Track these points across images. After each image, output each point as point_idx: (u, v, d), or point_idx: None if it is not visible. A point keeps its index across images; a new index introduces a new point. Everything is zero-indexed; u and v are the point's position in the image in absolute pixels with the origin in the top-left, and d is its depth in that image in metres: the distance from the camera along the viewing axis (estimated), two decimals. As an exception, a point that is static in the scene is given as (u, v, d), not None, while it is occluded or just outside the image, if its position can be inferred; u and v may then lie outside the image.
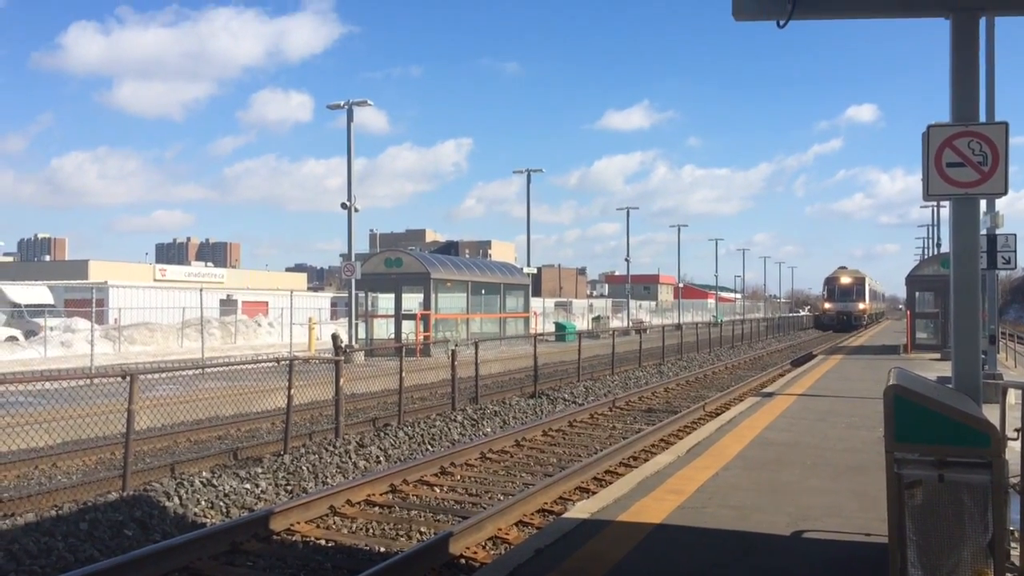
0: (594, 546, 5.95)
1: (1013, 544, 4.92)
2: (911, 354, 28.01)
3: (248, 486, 9.66)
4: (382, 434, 12.99)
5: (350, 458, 11.37)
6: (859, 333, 55.36)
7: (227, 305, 50.01)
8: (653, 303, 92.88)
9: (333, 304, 57.79)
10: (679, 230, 76.06)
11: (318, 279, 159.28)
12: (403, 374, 15.39)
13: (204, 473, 10.01)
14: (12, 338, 32.05)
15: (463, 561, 7.05)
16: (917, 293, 30.76)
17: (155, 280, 64.13)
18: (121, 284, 45.01)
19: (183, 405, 14.68)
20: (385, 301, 31.12)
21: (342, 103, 28.93)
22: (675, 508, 7.03)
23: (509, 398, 18.25)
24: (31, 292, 38.98)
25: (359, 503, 8.98)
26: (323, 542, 7.75)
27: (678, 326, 38.90)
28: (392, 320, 30.12)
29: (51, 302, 39.24)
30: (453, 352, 16.74)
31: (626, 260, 62.08)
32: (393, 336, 29.08)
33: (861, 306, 65.43)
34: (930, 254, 47.89)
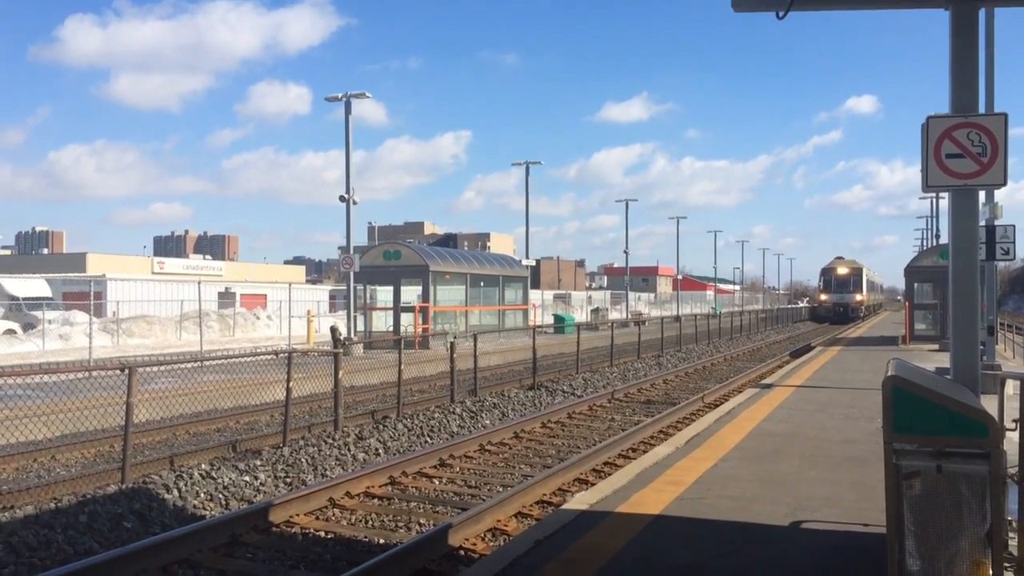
0: (593, 537, 5.96)
1: (1011, 534, 4.93)
2: (909, 345, 28.04)
3: (247, 478, 9.68)
4: (381, 426, 13.00)
5: (349, 450, 11.38)
6: (857, 325, 54.79)
7: (225, 298, 50.00)
8: (652, 295, 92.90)
9: (332, 297, 57.84)
10: (678, 222, 76.46)
11: (316, 272, 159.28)
12: (402, 366, 15.39)
13: (203, 465, 10.02)
14: (10, 331, 32.02)
15: (462, 552, 7.06)
16: (916, 284, 30.75)
17: (153, 273, 64.05)
18: (119, 277, 44.95)
19: (182, 398, 14.69)
20: (384, 294, 31.11)
21: (340, 95, 28.84)
22: (674, 499, 7.05)
23: (508, 390, 18.27)
24: (29, 285, 38.94)
25: (358, 495, 8.99)
26: (322, 534, 7.77)
27: (677, 318, 38.94)
28: (391, 312, 30.09)
29: (49, 295, 39.17)
30: (452, 344, 16.75)
31: (625, 252, 62.21)
32: (392, 328, 29.07)
33: (858, 297, 64.02)
34: (929, 245, 47.67)
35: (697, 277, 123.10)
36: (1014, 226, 15.50)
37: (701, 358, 28.04)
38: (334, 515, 8.39)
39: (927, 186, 5.66)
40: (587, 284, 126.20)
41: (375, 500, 8.99)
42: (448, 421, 13.91)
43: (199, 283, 30.16)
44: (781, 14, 5.62)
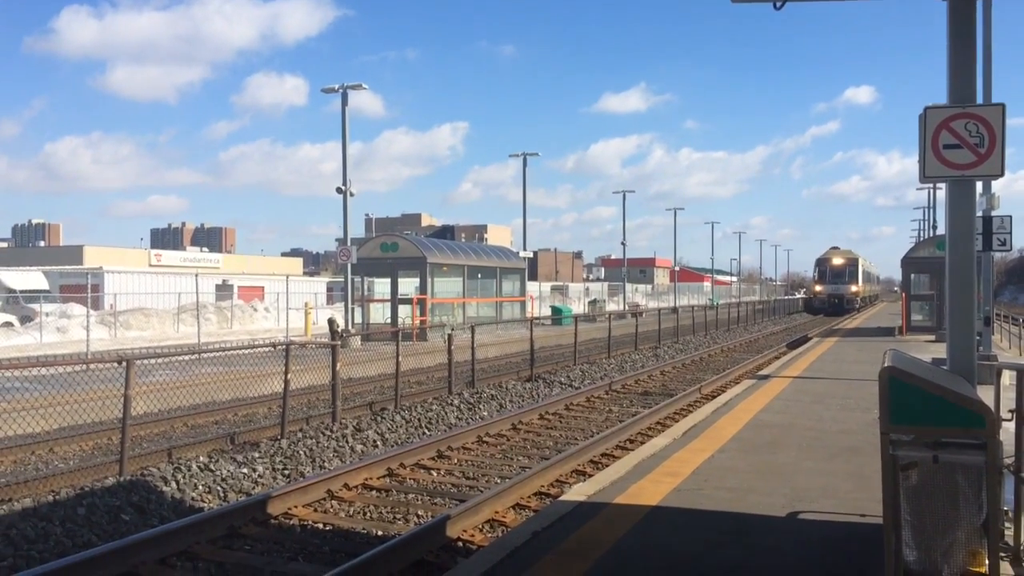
0: (591, 528, 5.98)
1: (1007, 524, 4.95)
2: (906, 336, 28.11)
3: (245, 470, 9.68)
4: (379, 418, 13.00)
5: (347, 442, 11.39)
6: (853, 316, 54.19)
7: (223, 290, 49.97)
8: (649, 286, 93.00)
9: (329, 289, 57.79)
10: (675, 213, 75.85)
11: (314, 264, 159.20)
12: (400, 358, 15.40)
13: (201, 458, 10.03)
14: (7, 324, 32.00)
15: (461, 544, 7.07)
16: (913, 275, 30.81)
17: (150, 265, 64.03)
18: (116, 269, 44.95)
19: (180, 390, 14.69)
20: (381, 285, 31.12)
21: (336, 87, 28.76)
22: (671, 490, 7.06)
23: (506, 382, 18.28)
24: (26, 278, 38.93)
25: (356, 487, 9.00)
26: (321, 526, 7.78)
27: (674, 309, 38.93)
28: (388, 304, 30.10)
29: (46, 288, 39.18)
30: (450, 336, 16.75)
31: (622, 244, 62.15)
32: (389, 320, 29.08)
33: (854, 288, 62.27)
34: (926, 236, 47.48)
35: (694, 268, 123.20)
36: (1011, 217, 15.52)
37: (698, 349, 28.07)
38: (332, 507, 8.41)
39: (924, 177, 5.66)
40: (584, 276, 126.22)
41: (373, 492, 9.00)
42: (446, 413, 13.93)
43: (196, 275, 30.04)
44: (779, 4, 5.62)
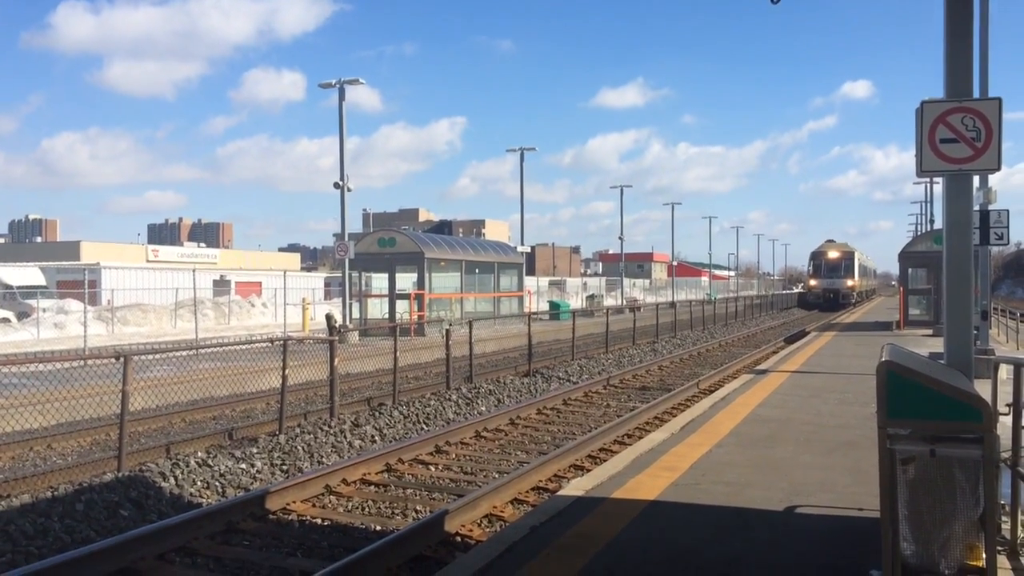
0: (589, 523, 5.98)
1: (1004, 518, 4.96)
2: (904, 330, 28.12)
3: (243, 466, 9.68)
4: (377, 413, 13.00)
5: (345, 437, 11.39)
6: (850, 311, 53.14)
7: (220, 286, 49.92)
8: (647, 281, 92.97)
9: (327, 284, 57.77)
10: (673, 208, 75.72)
11: (312, 259, 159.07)
12: (397, 354, 15.39)
13: (199, 453, 10.02)
14: (5, 320, 31.94)
15: (459, 539, 7.08)
16: (910, 269, 30.81)
17: (148, 261, 63.93)
18: (114, 265, 44.90)
19: (178, 386, 14.68)
20: (379, 281, 31.06)
21: (334, 82, 28.69)
22: (669, 485, 7.07)
23: (503, 377, 18.28)
24: (23, 274, 38.85)
25: (355, 482, 9.01)
26: (319, 521, 7.78)
27: (672, 304, 38.94)
28: (386, 300, 30.08)
29: (43, 284, 39.10)
30: (447, 331, 16.74)
31: (620, 238, 62.03)
32: (387, 316, 29.07)
33: (849, 283, 60.40)
34: (923, 230, 47.32)
35: (692, 263, 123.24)
36: (1008, 211, 15.53)
37: (696, 344, 28.09)
38: (330, 502, 8.41)
39: (921, 171, 5.66)
40: (582, 271, 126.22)
41: (371, 487, 9.00)
42: (444, 408, 13.93)
43: (194, 271, 30.09)
44: (776, -1, 5.61)
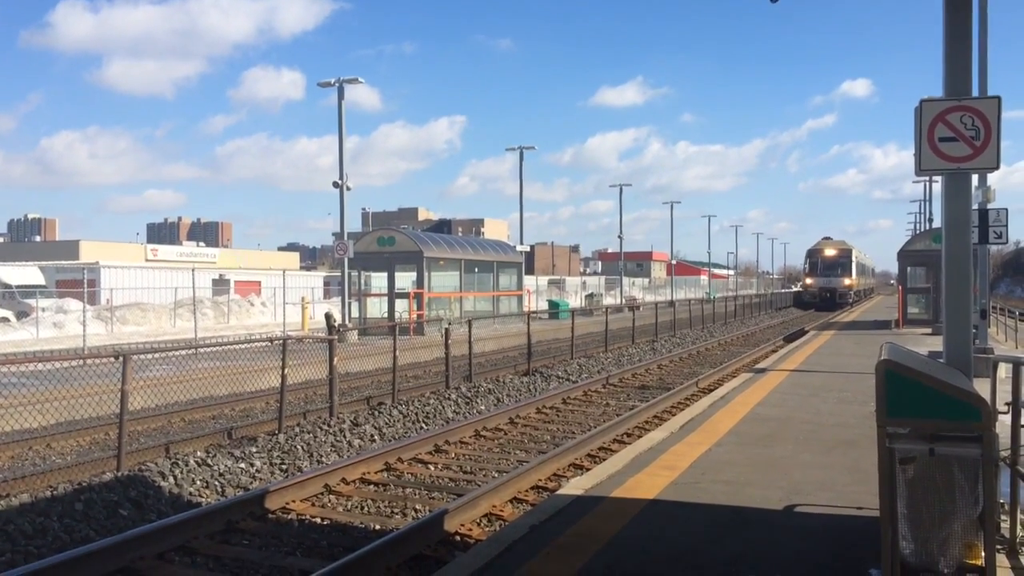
0: (588, 522, 5.99)
1: (1003, 517, 4.97)
2: (903, 329, 28.13)
3: (243, 465, 9.68)
4: (376, 413, 13.00)
5: (344, 437, 11.39)
6: (848, 310, 52.11)
7: (219, 285, 49.92)
8: (646, 280, 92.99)
9: (326, 283, 57.80)
10: (672, 207, 75.24)
11: (311, 258, 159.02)
12: (397, 353, 15.38)
13: (199, 453, 10.02)
14: (4, 319, 31.92)
15: (458, 538, 7.08)
16: (909, 268, 30.81)
17: (147, 260, 63.88)
18: (113, 264, 44.88)
19: (177, 385, 14.68)
20: (378, 280, 31.05)
21: (333, 81, 28.64)
22: (669, 484, 7.07)
23: (503, 376, 18.29)
24: (22, 273, 38.81)
25: (354, 481, 9.01)
26: (318, 520, 7.78)
27: (671, 303, 38.95)
28: (385, 299, 30.07)
29: (42, 283, 39.07)
30: (447, 331, 16.74)
31: (619, 237, 61.94)
32: (386, 315, 29.06)
33: (847, 281, 58.40)
34: (922, 229, 47.02)
35: (691, 262, 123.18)
36: (1006, 209, 15.51)
37: (695, 343, 28.09)
38: (330, 501, 8.41)
39: (920, 170, 5.67)
40: (581, 270, 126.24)
41: (371, 486, 9.00)
42: (443, 407, 13.93)
43: (193, 270, 30.09)
44: (775, -2, 5.61)
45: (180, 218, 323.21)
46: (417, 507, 8.20)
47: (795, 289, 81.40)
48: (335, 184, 28.38)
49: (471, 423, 11.98)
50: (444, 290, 31.91)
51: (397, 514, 8.03)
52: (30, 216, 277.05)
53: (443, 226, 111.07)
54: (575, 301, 56.08)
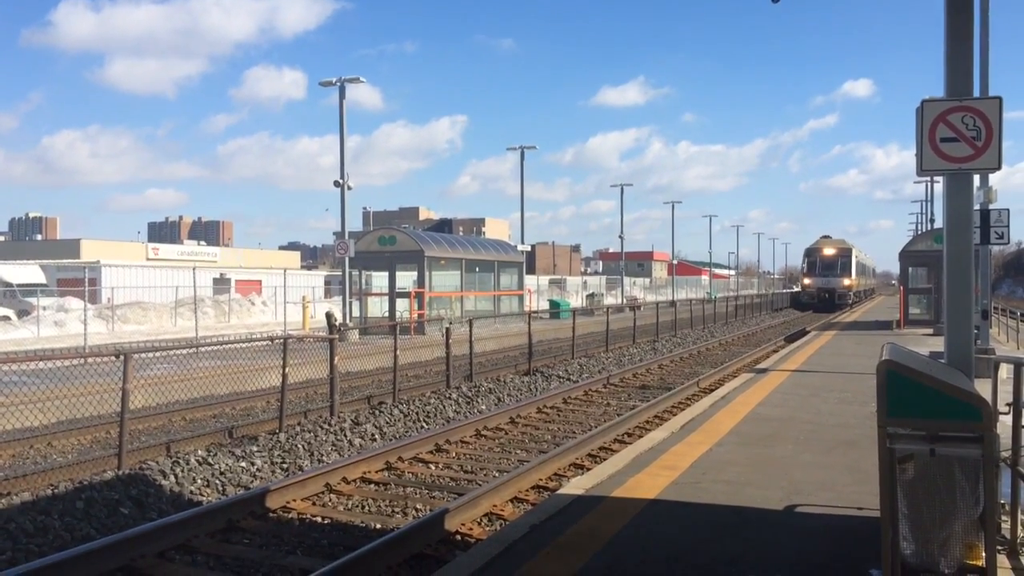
0: (589, 521, 5.99)
1: (1004, 517, 4.97)
2: (904, 329, 28.12)
3: (244, 464, 9.69)
4: (377, 412, 13.01)
5: (345, 436, 11.39)
6: (848, 311, 51.11)
7: (220, 284, 49.96)
8: (647, 280, 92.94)
9: (327, 282, 57.82)
10: (673, 207, 75.35)
11: (312, 257, 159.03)
12: (397, 352, 15.39)
13: (200, 451, 10.03)
14: (5, 318, 31.93)
15: (459, 537, 7.09)
16: (910, 268, 30.80)
17: (148, 259, 63.90)
18: (114, 263, 44.88)
19: (178, 384, 14.68)
20: (379, 279, 31.06)
21: (334, 80, 28.66)
22: (669, 483, 7.07)
23: (503, 375, 18.29)
24: (23, 271, 38.81)
25: (355, 480, 9.01)
26: (319, 519, 7.79)
27: (672, 303, 38.94)
28: (386, 298, 30.08)
29: (43, 281, 39.08)
30: (447, 330, 16.74)
31: (620, 237, 61.96)
32: (387, 314, 29.07)
33: (846, 282, 56.85)
34: (924, 229, 46.79)
35: (692, 262, 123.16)
36: (1008, 210, 15.51)
37: (696, 343, 28.09)
38: (331, 500, 8.41)
39: (921, 170, 5.66)
40: (582, 269, 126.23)
41: (372, 485, 9.01)
42: (444, 406, 13.94)
43: (194, 269, 30.10)
44: (777, -2, 5.61)
45: (181, 217, 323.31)
46: (418, 506, 8.20)
47: (796, 289, 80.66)
48: (336, 183, 28.39)
49: (472, 422, 11.98)
50: (445, 289, 31.92)
51: (398, 513, 8.03)
52: (31, 215, 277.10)
53: (444, 225, 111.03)
54: (576, 301, 56.08)
